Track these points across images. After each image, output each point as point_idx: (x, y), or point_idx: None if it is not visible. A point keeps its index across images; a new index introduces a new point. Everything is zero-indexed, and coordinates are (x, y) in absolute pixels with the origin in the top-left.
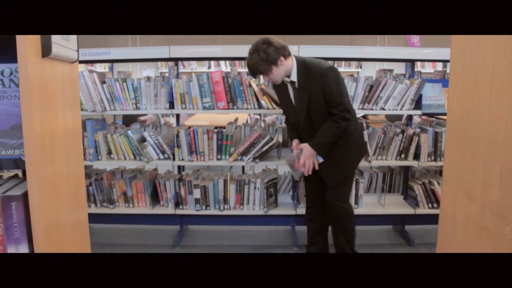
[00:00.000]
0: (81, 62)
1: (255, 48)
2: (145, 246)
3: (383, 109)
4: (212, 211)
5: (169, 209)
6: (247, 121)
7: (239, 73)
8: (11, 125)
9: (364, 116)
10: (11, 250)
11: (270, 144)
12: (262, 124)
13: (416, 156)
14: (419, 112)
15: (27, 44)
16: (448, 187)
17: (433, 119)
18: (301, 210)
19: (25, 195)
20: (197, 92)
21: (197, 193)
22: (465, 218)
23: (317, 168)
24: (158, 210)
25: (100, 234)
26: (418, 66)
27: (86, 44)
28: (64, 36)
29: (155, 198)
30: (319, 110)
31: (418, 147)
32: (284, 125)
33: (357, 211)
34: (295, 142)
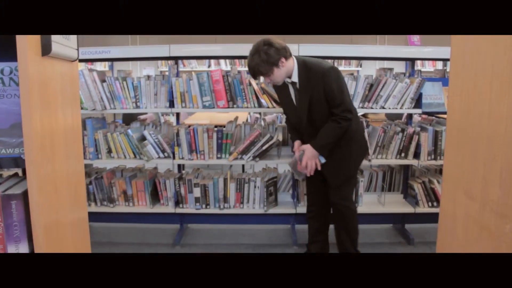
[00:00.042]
0: (81, 60)
1: (256, 49)
2: (145, 244)
3: (383, 108)
4: (212, 210)
5: (169, 208)
6: (247, 120)
7: (239, 71)
8: (11, 123)
9: (364, 115)
10: (11, 248)
11: (270, 143)
12: (262, 123)
13: (416, 155)
14: (419, 111)
15: (27, 43)
16: (448, 185)
17: (433, 118)
18: (301, 208)
19: (25, 194)
20: (197, 90)
21: (197, 192)
22: (465, 216)
23: (319, 168)
24: (158, 209)
25: (100, 233)
26: (418, 65)
27: (86, 43)
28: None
29: (155, 196)
30: (320, 110)
31: (418, 146)
32: (284, 123)
33: (357, 209)
34: (296, 143)
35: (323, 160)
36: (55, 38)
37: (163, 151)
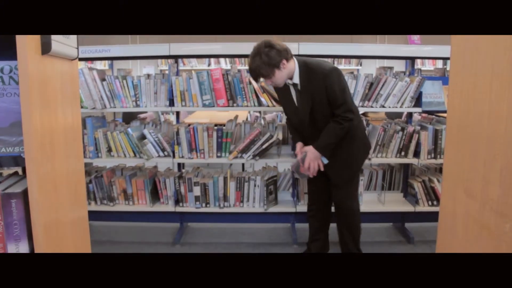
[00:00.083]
0: (81, 59)
1: (256, 51)
2: (145, 243)
3: (383, 106)
4: (212, 209)
5: (169, 207)
6: (247, 119)
7: (239, 70)
8: (11, 122)
9: (364, 114)
10: (11, 247)
11: (270, 141)
12: (262, 122)
13: (416, 154)
14: (419, 109)
15: (27, 42)
16: (448, 184)
17: (433, 116)
18: (301, 207)
19: (25, 193)
20: (197, 89)
21: (197, 191)
22: (465, 215)
23: (322, 169)
24: (158, 208)
25: (100, 231)
26: (418, 64)
27: (86, 42)
28: None
29: (155, 195)
30: (322, 111)
31: (418, 144)
32: (284, 122)
33: None
34: (298, 145)
35: (325, 161)
36: (55, 36)
37: (163, 150)
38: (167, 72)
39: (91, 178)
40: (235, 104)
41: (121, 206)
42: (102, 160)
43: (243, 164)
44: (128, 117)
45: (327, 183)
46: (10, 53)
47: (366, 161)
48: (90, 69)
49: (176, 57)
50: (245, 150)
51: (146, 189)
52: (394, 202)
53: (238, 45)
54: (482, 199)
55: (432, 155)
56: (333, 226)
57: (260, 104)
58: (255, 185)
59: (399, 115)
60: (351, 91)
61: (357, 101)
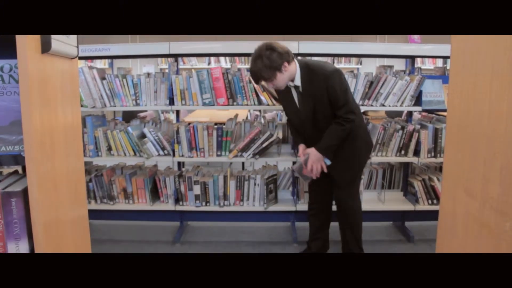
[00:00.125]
0: (80, 58)
1: (258, 54)
2: (145, 242)
3: (383, 105)
4: (212, 207)
5: (169, 205)
6: (247, 117)
7: (239, 69)
8: (11, 121)
9: (364, 112)
10: (11, 246)
11: (270, 140)
12: (262, 120)
13: (416, 153)
14: (419, 108)
15: (26, 40)
16: (448, 183)
17: (433, 115)
18: (301, 206)
19: (25, 191)
20: (197, 88)
21: (197, 189)
22: (465, 214)
23: (325, 170)
24: (158, 206)
25: (100, 230)
26: (418, 62)
27: (86, 41)
28: None
29: (155, 194)
30: (323, 112)
31: (418, 143)
32: (284, 121)
33: None
34: (301, 148)
35: (328, 162)
36: (55, 35)
37: (163, 148)
38: (167, 70)
39: (91, 177)
40: (235, 103)
41: (121, 205)
42: (102, 159)
43: (243, 163)
44: (128, 116)
45: (329, 183)
46: (10, 51)
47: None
48: (90, 67)
49: (176, 56)
50: (245, 148)
51: (146, 187)
52: (394, 201)
53: (238, 43)
54: (482, 198)
55: (432, 154)
56: (333, 225)
57: (260, 103)
58: (255, 184)
59: (399, 113)
60: (351, 90)
61: (357, 100)
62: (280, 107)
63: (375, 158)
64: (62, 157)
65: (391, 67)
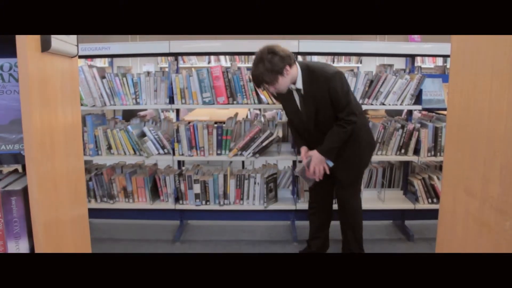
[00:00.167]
0: (80, 57)
1: (259, 58)
2: (145, 241)
3: (383, 104)
4: (212, 206)
5: (169, 204)
6: (247, 116)
7: (239, 68)
8: (11, 119)
9: (364, 111)
10: (11, 245)
11: (270, 139)
12: (262, 119)
13: (416, 151)
14: (419, 107)
15: (26, 39)
16: (448, 182)
17: (433, 114)
18: (301, 205)
19: (25, 190)
20: (197, 87)
21: (197, 188)
22: (465, 213)
23: (328, 172)
24: (158, 205)
25: (100, 229)
26: (418, 61)
27: (86, 39)
28: None
29: (155, 193)
30: (326, 114)
31: (418, 142)
32: (284, 120)
33: None
34: (303, 150)
35: (331, 164)
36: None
37: (163, 147)
38: (167, 69)
39: (91, 176)
40: (235, 102)
41: (121, 204)
42: (102, 157)
43: (243, 162)
44: (128, 115)
45: (331, 184)
46: (9, 50)
47: None
48: (90, 66)
49: (176, 55)
50: (245, 147)
51: (146, 186)
52: (394, 200)
53: (238, 42)
54: (482, 197)
55: (432, 153)
56: (333, 224)
57: (260, 101)
58: (255, 183)
59: (399, 112)
60: (351, 89)
61: (357, 99)
62: (280, 106)
63: (375, 157)
64: (62, 156)
65: (391, 66)
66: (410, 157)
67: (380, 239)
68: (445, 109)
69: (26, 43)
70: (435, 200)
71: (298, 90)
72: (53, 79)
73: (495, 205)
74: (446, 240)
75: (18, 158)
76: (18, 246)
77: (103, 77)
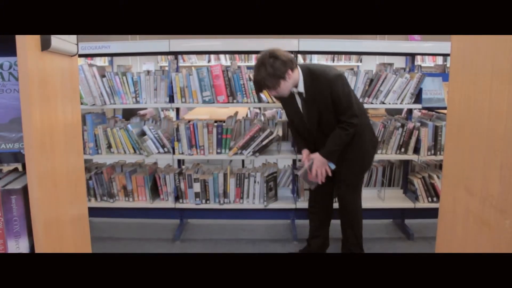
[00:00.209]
0: (80, 56)
1: (261, 62)
2: (145, 240)
3: (383, 103)
4: (212, 205)
5: (169, 203)
6: (247, 115)
7: (239, 67)
8: (11, 118)
9: None
10: (11, 243)
11: (270, 138)
12: (262, 118)
13: (416, 150)
14: (419, 106)
15: (26, 38)
16: (448, 181)
17: (433, 113)
18: (301, 204)
19: (25, 189)
20: (197, 85)
21: (197, 187)
22: (465, 212)
23: (330, 175)
24: (158, 204)
25: (100, 228)
26: (418, 60)
27: (86, 38)
28: None
29: (155, 192)
30: (327, 116)
31: (418, 141)
32: (283, 119)
33: None
34: (305, 153)
35: (333, 166)
36: None
37: (163, 146)
38: (167, 68)
39: (91, 175)
40: (235, 101)
41: (121, 203)
42: (102, 156)
43: (243, 161)
44: (128, 114)
45: (332, 185)
46: (9, 49)
47: None
48: (90, 65)
49: (176, 53)
50: (245, 146)
51: (146, 185)
52: (394, 199)
53: (238, 41)
54: (482, 196)
55: (432, 152)
56: (333, 222)
57: (260, 100)
58: (255, 182)
59: (399, 111)
60: (351, 87)
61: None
62: (280, 105)
63: (375, 155)
64: (62, 155)
65: (391, 64)
66: (410, 156)
67: (380, 238)
68: (445, 108)
69: (26, 42)
70: (435, 199)
71: (300, 93)
72: (53, 78)
73: (495, 204)
74: (446, 238)
75: (18, 157)
76: (18, 245)
77: (103, 76)
